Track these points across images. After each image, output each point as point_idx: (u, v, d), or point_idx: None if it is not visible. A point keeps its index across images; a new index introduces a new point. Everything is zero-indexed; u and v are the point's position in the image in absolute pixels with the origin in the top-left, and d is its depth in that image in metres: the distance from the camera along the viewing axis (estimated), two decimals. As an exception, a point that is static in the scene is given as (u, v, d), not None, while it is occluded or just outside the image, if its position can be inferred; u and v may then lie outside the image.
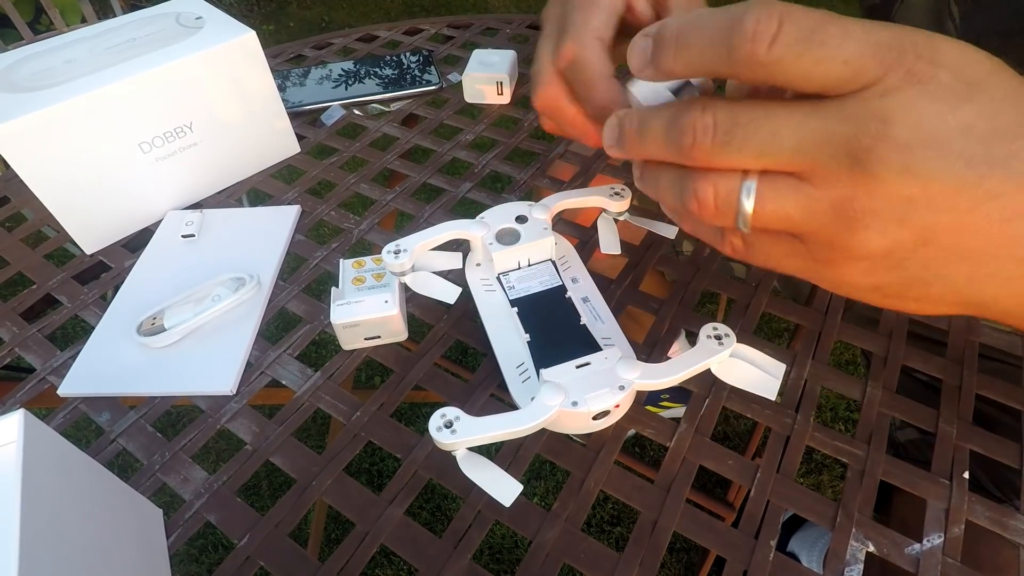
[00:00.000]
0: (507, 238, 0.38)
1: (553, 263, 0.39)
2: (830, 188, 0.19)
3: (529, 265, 0.39)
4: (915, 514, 0.31)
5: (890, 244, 0.20)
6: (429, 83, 0.61)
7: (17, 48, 0.59)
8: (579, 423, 0.31)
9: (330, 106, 0.60)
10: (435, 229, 0.38)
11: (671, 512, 0.30)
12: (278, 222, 0.47)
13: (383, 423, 0.35)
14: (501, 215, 0.39)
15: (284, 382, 0.37)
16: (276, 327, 0.41)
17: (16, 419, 0.23)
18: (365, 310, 0.36)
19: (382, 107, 0.61)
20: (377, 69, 0.64)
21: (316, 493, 0.32)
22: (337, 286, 0.38)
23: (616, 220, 0.41)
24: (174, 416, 0.41)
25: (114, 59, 0.44)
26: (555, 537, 0.30)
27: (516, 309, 0.36)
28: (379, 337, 0.38)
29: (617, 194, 0.40)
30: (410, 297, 0.41)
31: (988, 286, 0.21)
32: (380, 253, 0.40)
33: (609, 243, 0.41)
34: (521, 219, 0.39)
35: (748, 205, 0.20)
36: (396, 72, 0.64)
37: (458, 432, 0.28)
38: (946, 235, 0.19)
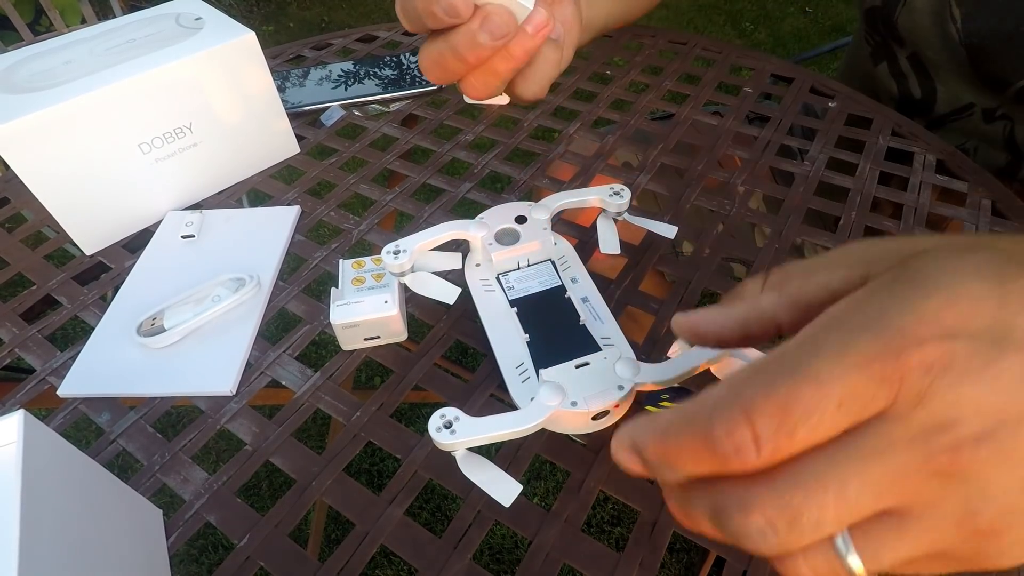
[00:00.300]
0: (506, 238, 0.38)
1: (552, 263, 0.39)
2: (939, 515, 0.17)
3: (528, 265, 0.39)
4: None
5: None
6: (429, 83, 0.61)
7: (17, 49, 0.59)
8: (578, 423, 0.31)
9: (330, 106, 0.60)
10: (434, 229, 0.38)
11: (671, 512, 0.30)
12: (278, 222, 0.47)
13: (383, 423, 0.35)
14: (500, 215, 0.39)
15: (284, 382, 0.37)
16: (276, 327, 0.41)
17: (16, 420, 0.23)
18: (365, 310, 0.36)
19: (382, 107, 0.61)
20: (377, 70, 0.64)
21: (316, 493, 0.32)
22: (337, 286, 0.38)
23: (615, 220, 0.41)
24: (174, 416, 0.41)
25: (114, 60, 0.44)
26: (555, 537, 0.30)
27: (515, 309, 0.36)
28: (379, 337, 0.38)
29: (616, 194, 0.40)
30: (410, 297, 0.41)
31: None
32: (380, 253, 0.40)
33: (609, 243, 0.41)
34: (520, 219, 0.39)
35: (855, 563, 0.17)
36: (396, 72, 0.64)
37: (458, 432, 0.28)
38: None
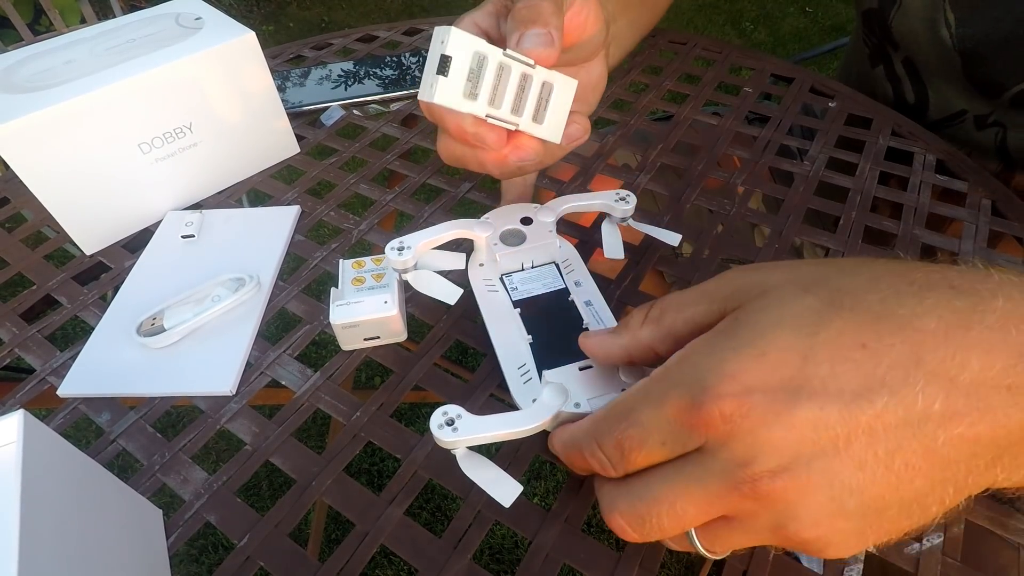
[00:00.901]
0: (511, 239, 0.38)
1: (557, 266, 0.39)
2: (756, 526, 0.21)
3: (533, 267, 0.39)
4: None
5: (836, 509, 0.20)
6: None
7: (17, 49, 0.59)
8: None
9: (330, 106, 0.60)
10: (439, 228, 0.38)
11: (671, 512, 0.30)
12: (278, 222, 0.47)
13: (383, 423, 0.35)
14: (505, 216, 0.39)
15: (284, 382, 0.37)
16: (276, 327, 0.41)
17: (16, 419, 0.23)
18: (364, 310, 0.36)
19: (382, 107, 0.61)
20: (377, 69, 0.64)
21: (316, 493, 0.32)
22: (336, 286, 0.38)
23: (620, 224, 0.41)
24: (174, 416, 0.41)
25: (114, 60, 0.44)
26: (555, 537, 0.30)
27: (519, 310, 0.36)
28: (378, 337, 0.38)
29: (622, 199, 0.40)
30: (409, 297, 0.41)
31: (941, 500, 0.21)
32: (380, 253, 0.40)
33: (613, 248, 0.41)
34: (526, 221, 0.39)
35: (702, 548, 0.24)
36: (396, 72, 0.64)
37: (459, 430, 0.28)
38: (867, 490, 0.20)
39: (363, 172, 0.52)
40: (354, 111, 0.60)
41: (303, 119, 0.59)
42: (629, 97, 0.60)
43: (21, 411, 0.23)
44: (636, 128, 0.56)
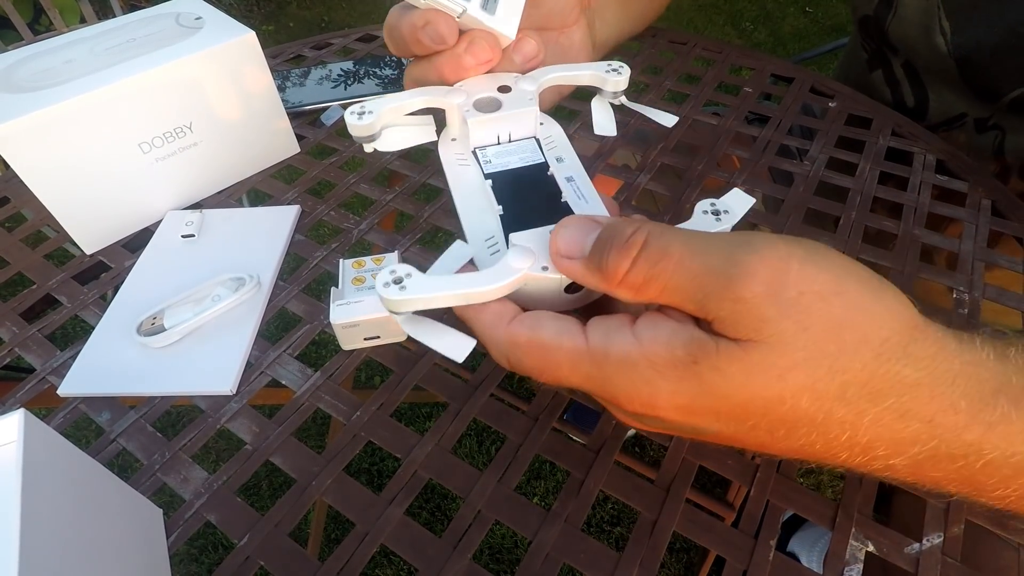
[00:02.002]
0: (487, 107, 0.34)
1: (537, 141, 0.35)
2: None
3: (510, 141, 0.35)
4: (915, 514, 0.31)
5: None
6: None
7: (17, 48, 0.59)
8: (549, 293, 0.27)
9: (330, 106, 0.60)
10: (407, 94, 0.34)
11: (671, 512, 0.30)
12: (278, 222, 0.47)
13: (383, 423, 0.35)
14: (482, 83, 0.35)
15: (284, 382, 0.37)
16: (276, 327, 0.41)
17: (16, 419, 0.23)
18: (364, 310, 0.36)
19: (382, 107, 0.61)
20: (377, 69, 0.64)
21: (316, 493, 0.32)
22: (337, 286, 0.38)
23: (612, 104, 0.38)
24: (174, 416, 0.41)
25: (114, 59, 0.44)
26: (555, 537, 0.30)
27: (490, 182, 0.32)
28: (379, 337, 0.38)
29: (614, 71, 0.36)
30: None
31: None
32: (380, 253, 0.40)
33: (604, 125, 0.37)
34: (504, 89, 0.34)
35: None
36: (396, 72, 0.64)
37: (408, 289, 0.25)
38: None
39: (363, 172, 0.52)
40: (354, 111, 0.60)
41: (303, 119, 0.59)
42: (628, 97, 0.59)
43: (21, 410, 0.23)
44: (636, 128, 0.56)
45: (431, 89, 0.34)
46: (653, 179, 0.50)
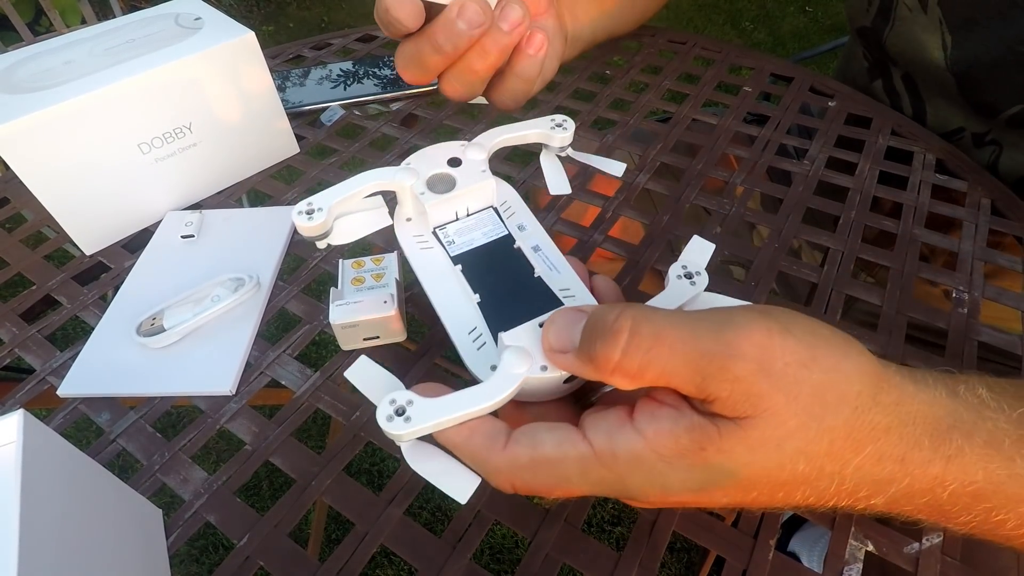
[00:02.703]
0: (440, 186, 0.33)
1: (495, 210, 0.34)
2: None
3: (468, 215, 0.34)
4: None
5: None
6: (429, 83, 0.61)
7: (17, 49, 0.59)
8: (550, 389, 0.27)
9: (329, 106, 0.60)
10: (352, 181, 0.32)
11: (671, 512, 0.30)
12: (277, 222, 0.47)
13: (383, 423, 0.35)
14: (430, 159, 0.34)
15: (283, 382, 0.37)
16: (275, 327, 0.41)
17: (16, 419, 0.23)
18: (364, 310, 0.36)
19: (381, 107, 0.61)
20: (376, 69, 0.64)
21: (316, 493, 0.32)
22: (336, 286, 0.38)
23: (559, 157, 0.38)
24: (174, 416, 0.41)
25: (113, 60, 0.44)
26: (555, 537, 0.30)
27: (460, 267, 0.32)
28: (378, 337, 0.38)
29: (559, 126, 0.36)
30: (409, 297, 0.41)
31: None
32: (380, 253, 0.40)
33: (556, 183, 0.37)
34: (454, 162, 0.34)
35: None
36: (396, 72, 0.64)
37: (413, 420, 0.23)
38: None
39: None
40: (354, 111, 0.60)
41: (303, 119, 0.59)
42: (629, 97, 0.60)
43: (21, 411, 0.23)
44: (636, 128, 0.56)
45: (379, 172, 0.33)
46: (653, 179, 0.50)
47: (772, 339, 0.20)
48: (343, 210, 0.33)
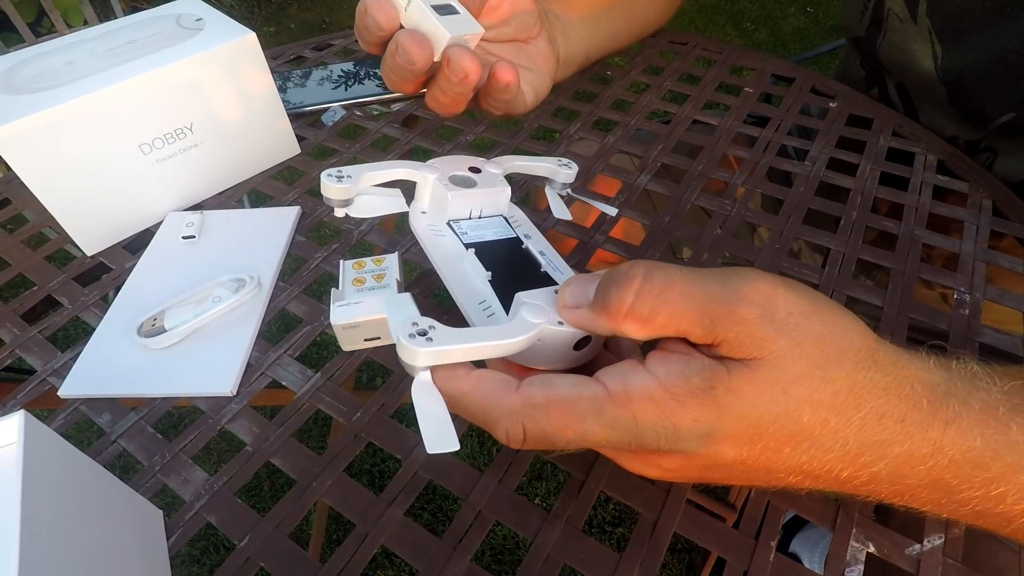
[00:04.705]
0: (461, 183, 0.35)
1: (505, 219, 0.37)
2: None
3: (481, 216, 0.36)
4: (915, 515, 0.31)
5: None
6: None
7: (18, 50, 0.59)
8: (562, 353, 0.28)
9: (330, 107, 0.60)
10: (385, 164, 0.35)
11: (672, 513, 0.30)
12: (278, 223, 0.47)
13: (384, 424, 0.35)
14: (453, 163, 0.37)
15: (284, 383, 0.37)
16: (276, 328, 0.41)
17: (16, 420, 0.23)
18: (365, 311, 0.36)
19: (382, 108, 0.61)
20: (377, 70, 0.64)
21: (317, 494, 0.32)
22: (337, 287, 0.38)
23: (560, 194, 0.41)
24: (175, 417, 0.41)
25: (115, 61, 0.44)
26: (556, 538, 0.30)
27: (473, 250, 0.33)
28: (379, 338, 0.38)
29: (564, 165, 0.39)
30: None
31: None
32: (381, 254, 0.40)
33: (559, 210, 0.40)
34: (474, 169, 0.37)
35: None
36: (396, 73, 0.64)
37: (435, 341, 0.24)
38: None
39: (364, 173, 0.52)
40: (355, 112, 0.60)
41: (304, 120, 0.59)
42: (629, 97, 0.60)
43: (22, 412, 0.23)
44: (636, 128, 0.56)
45: (410, 163, 0.36)
46: (653, 179, 0.50)
47: (776, 289, 0.22)
48: (365, 189, 0.35)
